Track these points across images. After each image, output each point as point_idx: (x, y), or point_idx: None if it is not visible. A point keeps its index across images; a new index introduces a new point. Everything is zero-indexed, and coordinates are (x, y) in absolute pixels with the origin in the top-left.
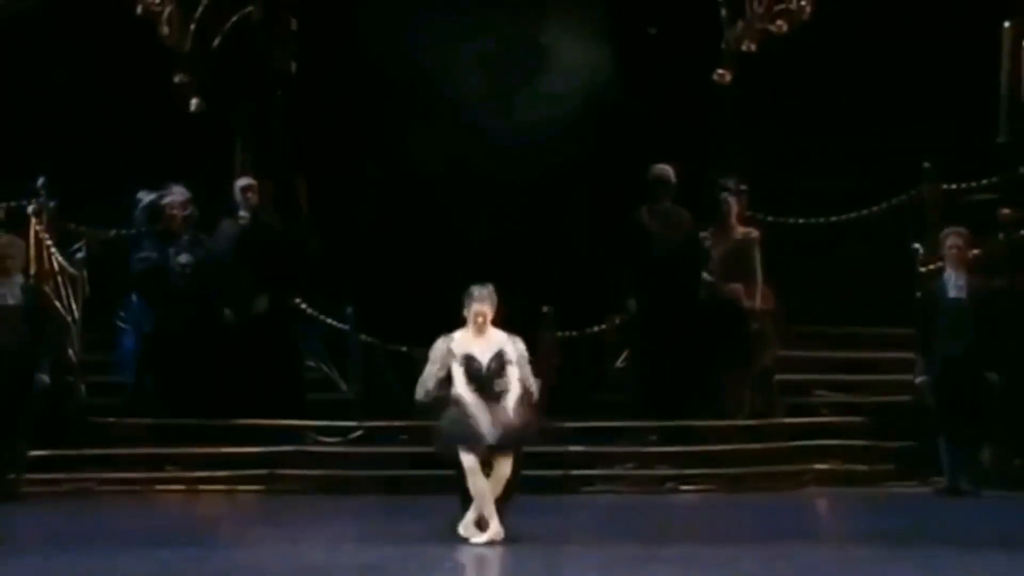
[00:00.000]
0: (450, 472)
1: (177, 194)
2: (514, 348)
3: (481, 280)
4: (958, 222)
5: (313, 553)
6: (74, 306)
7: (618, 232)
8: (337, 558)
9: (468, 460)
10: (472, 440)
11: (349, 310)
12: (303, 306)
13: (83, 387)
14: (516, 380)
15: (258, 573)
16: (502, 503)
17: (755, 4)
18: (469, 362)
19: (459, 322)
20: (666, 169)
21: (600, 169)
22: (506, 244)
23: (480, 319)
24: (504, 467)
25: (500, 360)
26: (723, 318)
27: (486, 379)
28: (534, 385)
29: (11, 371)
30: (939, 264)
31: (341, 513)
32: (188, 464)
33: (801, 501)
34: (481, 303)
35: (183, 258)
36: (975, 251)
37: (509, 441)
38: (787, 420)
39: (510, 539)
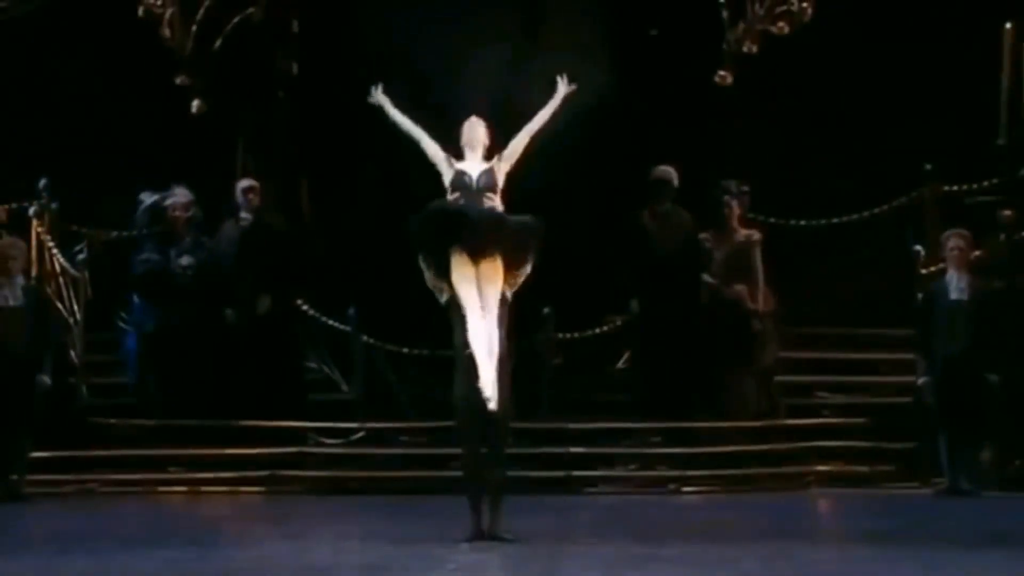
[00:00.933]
0: (451, 473)
1: (179, 196)
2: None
3: None
4: (959, 224)
5: (315, 553)
6: (76, 307)
7: (619, 233)
8: (339, 558)
9: (457, 262)
10: (457, 224)
11: (351, 311)
12: (305, 307)
13: (85, 388)
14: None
15: (260, 573)
16: (496, 500)
17: (756, 5)
18: (460, 176)
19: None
20: (667, 170)
21: (601, 170)
22: None
23: (476, 145)
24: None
25: (490, 176)
26: (725, 319)
27: (475, 192)
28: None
29: (13, 372)
30: (940, 266)
31: (343, 514)
32: (190, 465)
33: (802, 501)
34: (473, 130)
35: (185, 260)
36: (976, 253)
37: (500, 235)
38: (788, 421)
39: (511, 539)
